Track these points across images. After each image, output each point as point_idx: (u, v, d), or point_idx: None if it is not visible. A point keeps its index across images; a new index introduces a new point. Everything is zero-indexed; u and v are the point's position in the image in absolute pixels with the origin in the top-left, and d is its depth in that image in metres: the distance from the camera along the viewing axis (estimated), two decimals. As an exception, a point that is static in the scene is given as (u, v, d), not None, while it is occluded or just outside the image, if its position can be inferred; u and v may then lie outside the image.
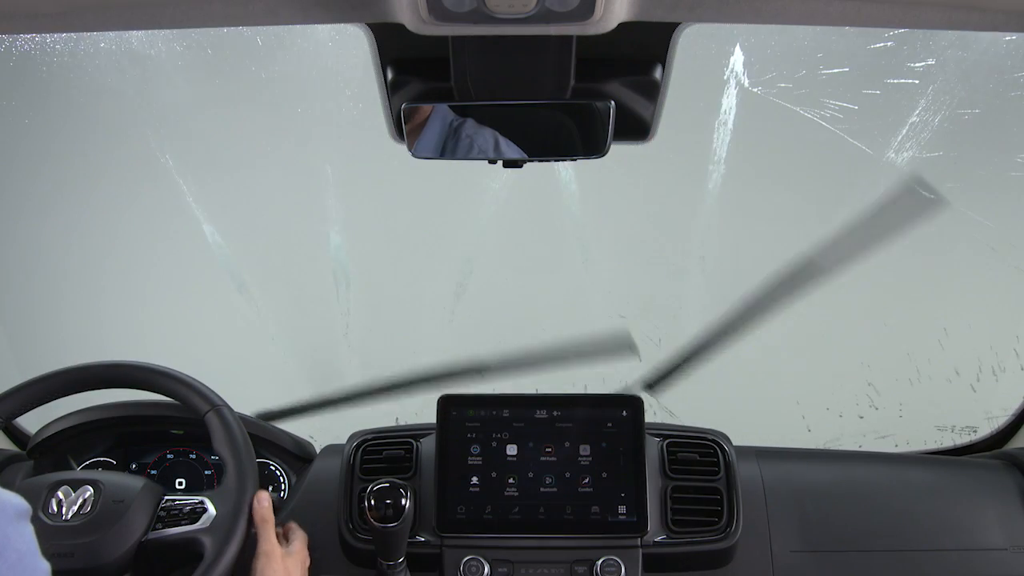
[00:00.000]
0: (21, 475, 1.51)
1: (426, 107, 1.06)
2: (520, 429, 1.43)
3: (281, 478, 1.56)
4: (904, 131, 3.11)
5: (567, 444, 1.42)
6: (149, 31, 2.12)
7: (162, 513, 1.24)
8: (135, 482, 1.26)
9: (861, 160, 3.10)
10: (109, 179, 3.18)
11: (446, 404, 1.45)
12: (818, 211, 3.10)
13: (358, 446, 1.48)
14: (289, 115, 3.17)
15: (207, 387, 1.35)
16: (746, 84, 3.09)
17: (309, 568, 1.30)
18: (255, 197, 3.21)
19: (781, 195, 3.08)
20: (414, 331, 3.11)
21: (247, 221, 3.21)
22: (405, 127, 1.07)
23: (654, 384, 1.76)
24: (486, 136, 1.07)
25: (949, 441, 1.83)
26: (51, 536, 1.17)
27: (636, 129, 1.12)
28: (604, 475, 1.41)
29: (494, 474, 1.41)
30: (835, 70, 3.11)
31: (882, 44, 3.04)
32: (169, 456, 1.59)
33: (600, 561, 1.35)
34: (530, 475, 1.41)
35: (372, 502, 1.22)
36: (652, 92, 1.07)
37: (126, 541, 1.19)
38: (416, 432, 1.50)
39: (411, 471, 1.44)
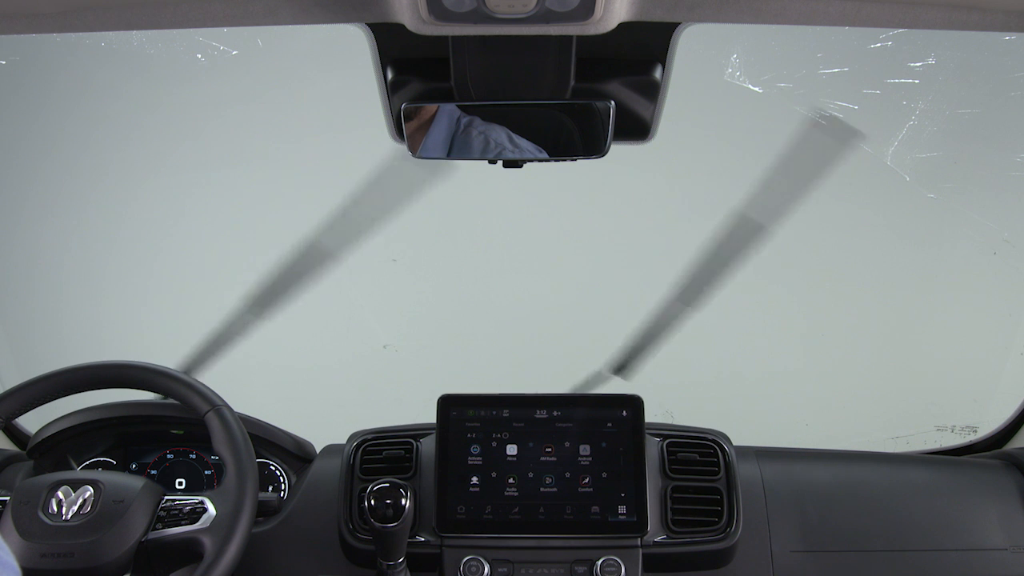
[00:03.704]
0: (21, 475, 1.51)
1: (427, 107, 1.06)
2: (520, 429, 1.43)
3: (281, 478, 1.56)
4: (904, 131, 3.11)
5: (567, 444, 1.43)
6: (149, 31, 2.12)
7: (162, 513, 1.25)
8: (135, 482, 1.26)
9: (861, 159, 3.11)
10: (110, 178, 3.18)
11: (446, 404, 1.45)
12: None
13: (358, 446, 1.48)
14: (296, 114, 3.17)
15: (207, 387, 1.35)
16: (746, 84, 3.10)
17: (309, 568, 1.30)
18: (255, 196, 3.22)
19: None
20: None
21: (246, 220, 3.21)
22: (405, 127, 1.07)
23: (622, 367, 1.74)
24: (499, 131, 1.07)
25: (949, 441, 1.83)
26: (51, 536, 1.17)
27: (636, 129, 1.13)
28: (604, 475, 1.41)
29: (494, 474, 1.41)
30: (835, 70, 3.11)
31: (882, 44, 3.04)
32: (169, 456, 1.59)
33: (600, 561, 1.35)
34: (530, 475, 1.41)
35: (372, 502, 1.22)
36: (652, 92, 1.08)
37: (126, 541, 1.19)
38: (416, 432, 1.50)
39: (411, 471, 1.44)
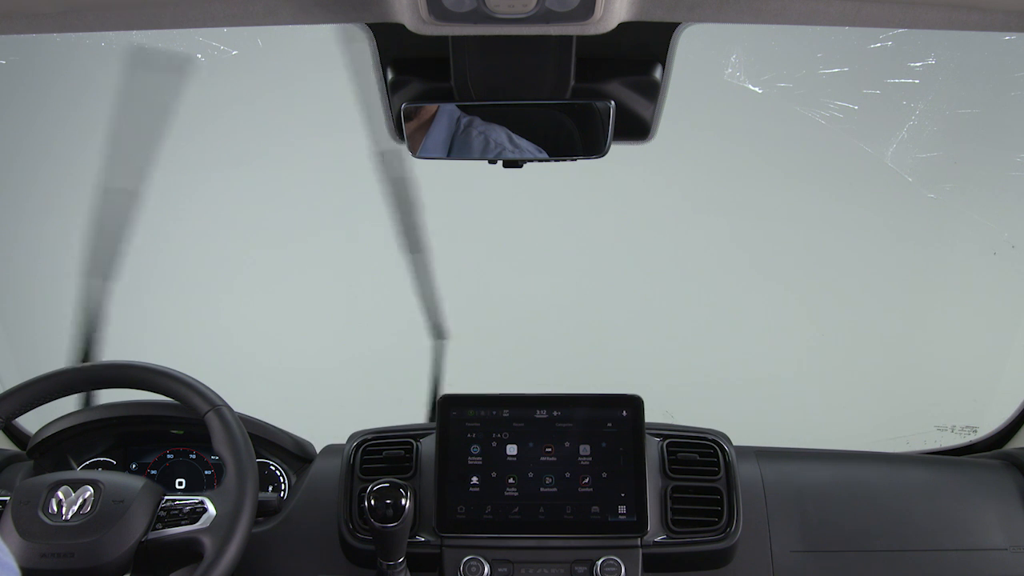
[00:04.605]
0: (21, 475, 1.51)
1: (427, 107, 1.06)
2: (520, 429, 1.43)
3: (281, 478, 1.56)
4: (904, 131, 3.11)
5: (567, 444, 1.42)
6: (149, 31, 2.11)
7: (162, 513, 1.24)
8: (135, 482, 1.26)
9: (861, 159, 3.11)
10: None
11: (446, 404, 1.45)
12: (817, 211, 3.11)
13: (358, 446, 1.48)
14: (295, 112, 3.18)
15: (207, 387, 1.35)
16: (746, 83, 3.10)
17: (309, 568, 1.30)
18: (255, 195, 3.22)
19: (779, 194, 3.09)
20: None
21: (244, 219, 3.22)
22: (405, 127, 1.07)
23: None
24: (499, 131, 1.07)
25: (949, 441, 1.83)
26: (51, 536, 1.17)
27: (636, 129, 1.13)
28: (604, 475, 1.41)
29: (494, 474, 1.41)
30: (835, 70, 3.11)
31: (882, 44, 3.04)
32: (169, 456, 1.59)
33: (600, 561, 1.35)
34: (530, 475, 1.41)
35: (372, 502, 1.22)
36: (652, 92, 1.08)
37: (126, 541, 1.19)
38: (416, 432, 1.50)
39: (411, 471, 1.44)
